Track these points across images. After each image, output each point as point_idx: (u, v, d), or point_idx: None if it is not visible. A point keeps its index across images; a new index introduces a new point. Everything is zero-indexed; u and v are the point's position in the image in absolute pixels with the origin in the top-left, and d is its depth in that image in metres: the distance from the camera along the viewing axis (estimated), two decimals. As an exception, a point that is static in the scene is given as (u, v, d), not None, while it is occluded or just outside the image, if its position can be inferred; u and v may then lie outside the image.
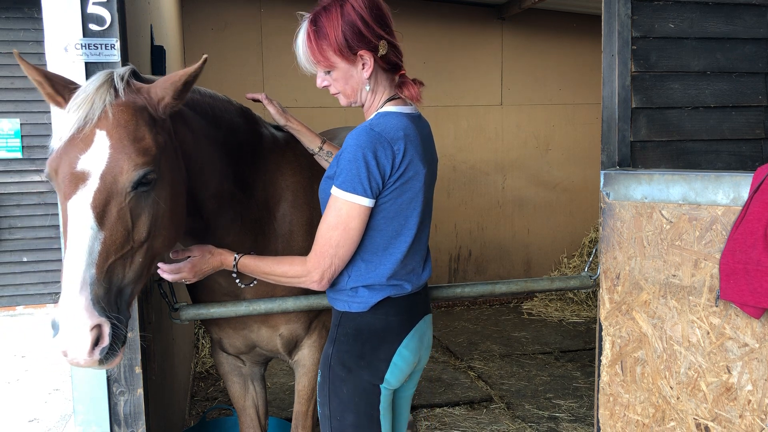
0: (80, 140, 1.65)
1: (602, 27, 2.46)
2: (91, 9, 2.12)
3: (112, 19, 2.14)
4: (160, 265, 2.03)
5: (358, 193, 1.80)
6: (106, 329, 1.57)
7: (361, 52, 1.86)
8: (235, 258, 2.03)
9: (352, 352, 1.92)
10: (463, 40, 7.00)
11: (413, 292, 1.99)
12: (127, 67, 1.82)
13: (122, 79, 1.75)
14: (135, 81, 1.81)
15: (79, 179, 1.63)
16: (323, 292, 2.32)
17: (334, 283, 1.96)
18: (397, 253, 1.91)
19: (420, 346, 2.02)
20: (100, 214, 1.62)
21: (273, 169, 2.42)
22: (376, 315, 1.92)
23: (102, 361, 1.59)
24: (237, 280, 2.23)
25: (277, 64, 6.50)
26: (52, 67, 2.15)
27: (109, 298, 1.61)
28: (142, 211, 1.70)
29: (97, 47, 2.13)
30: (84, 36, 2.12)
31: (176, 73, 1.80)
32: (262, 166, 2.39)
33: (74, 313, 1.54)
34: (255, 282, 2.30)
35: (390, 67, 1.94)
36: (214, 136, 2.12)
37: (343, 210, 1.82)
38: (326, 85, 1.94)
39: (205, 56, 1.76)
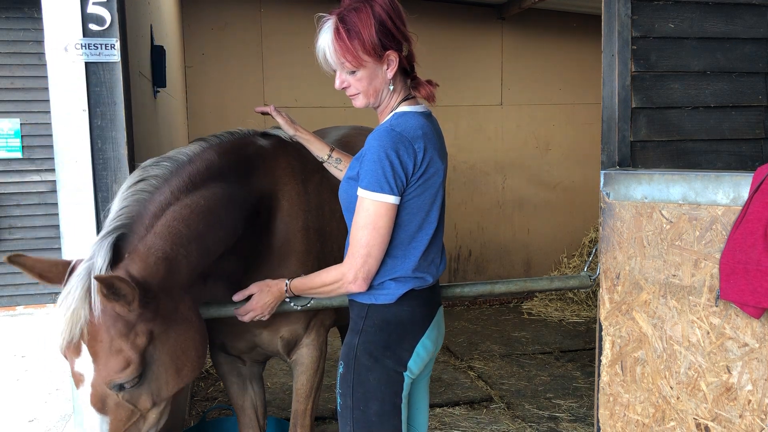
0: (73, 347, 1.81)
1: (602, 27, 2.46)
2: (91, 9, 2.13)
3: (112, 19, 2.14)
4: (235, 312, 2.20)
5: (384, 192, 1.85)
6: None
7: (388, 52, 1.90)
8: (287, 284, 2.11)
9: (378, 342, 1.96)
10: (463, 40, 6.99)
11: (433, 284, 2.05)
12: (106, 255, 1.78)
13: (100, 283, 1.66)
14: (113, 273, 1.75)
15: (78, 379, 1.84)
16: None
17: None
18: (420, 246, 1.97)
19: (438, 336, 2.09)
20: (101, 408, 1.83)
21: (269, 189, 2.38)
22: (402, 306, 1.96)
23: None
24: (292, 304, 2.23)
25: (277, 64, 6.50)
26: (52, 66, 2.15)
27: None
28: (140, 393, 1.86)
29: (97, 47, 2.13)
30: (84, 36, 2.12)
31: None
32: (262, 196, 2.35)
33: None
34: (311, 302, 2.25)
35: (409, 67, 2.00)
36: (220, 224, 2.11)
37: (371, 209, 1.86)
38: (345, 87, 1.96)
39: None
